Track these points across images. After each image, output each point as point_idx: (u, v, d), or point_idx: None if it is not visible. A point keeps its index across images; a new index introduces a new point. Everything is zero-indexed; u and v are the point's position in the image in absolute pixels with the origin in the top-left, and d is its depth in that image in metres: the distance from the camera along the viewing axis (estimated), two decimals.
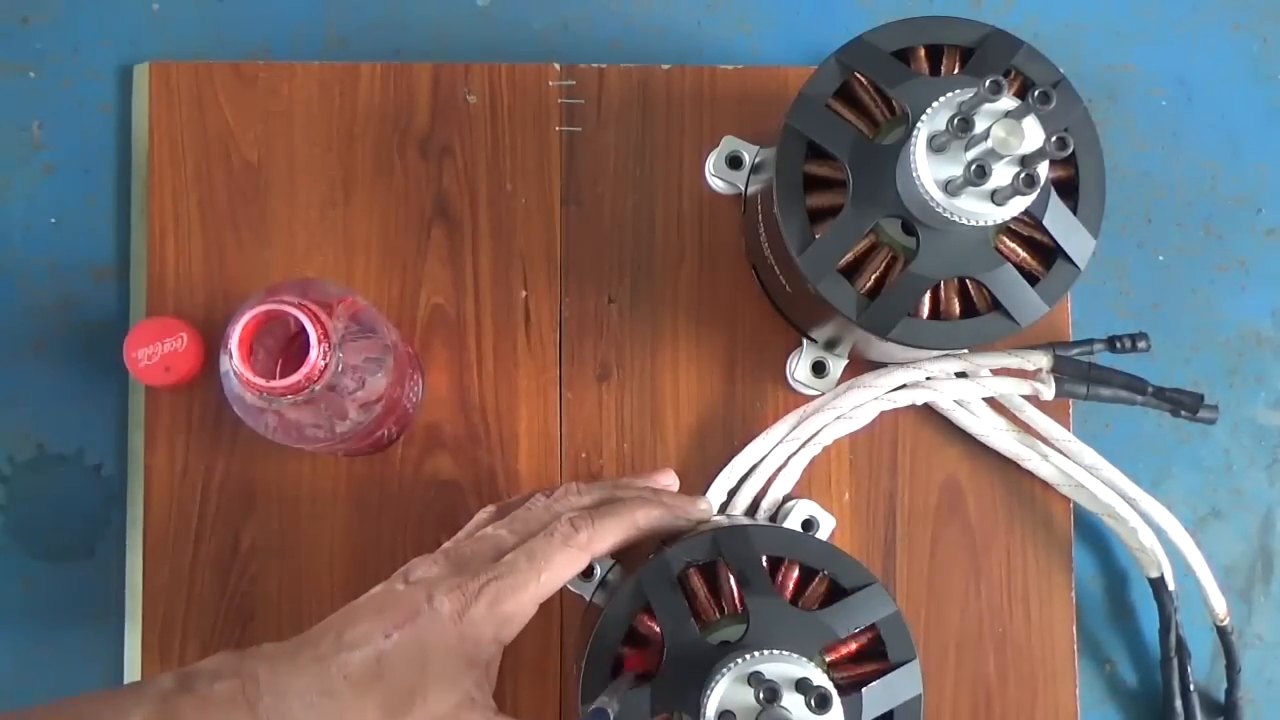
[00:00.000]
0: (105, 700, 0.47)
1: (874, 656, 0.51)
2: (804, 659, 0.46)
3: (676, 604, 0.50)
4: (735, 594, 0.51)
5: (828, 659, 0.51)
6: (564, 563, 0.49)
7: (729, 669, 0.46)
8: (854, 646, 0.51)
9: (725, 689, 0.46)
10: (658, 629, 0.50)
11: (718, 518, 0.60)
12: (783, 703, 0.45)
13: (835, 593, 0.51)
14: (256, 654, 0.49)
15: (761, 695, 0.44)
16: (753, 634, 0.49)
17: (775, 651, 0.47)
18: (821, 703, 0.44)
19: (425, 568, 0.50)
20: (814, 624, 0.50)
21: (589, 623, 0.54)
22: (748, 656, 0.46)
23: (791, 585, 0.52)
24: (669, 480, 0.57)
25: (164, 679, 0.48)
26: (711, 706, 0.46)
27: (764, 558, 0.51)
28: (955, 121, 0.48)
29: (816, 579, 0.52)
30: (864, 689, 0.49)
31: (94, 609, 0.63)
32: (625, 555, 0.54)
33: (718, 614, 0.51)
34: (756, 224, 0.59)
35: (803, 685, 0.45)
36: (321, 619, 0.61)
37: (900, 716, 0.50)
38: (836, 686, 0.46)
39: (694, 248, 0.64)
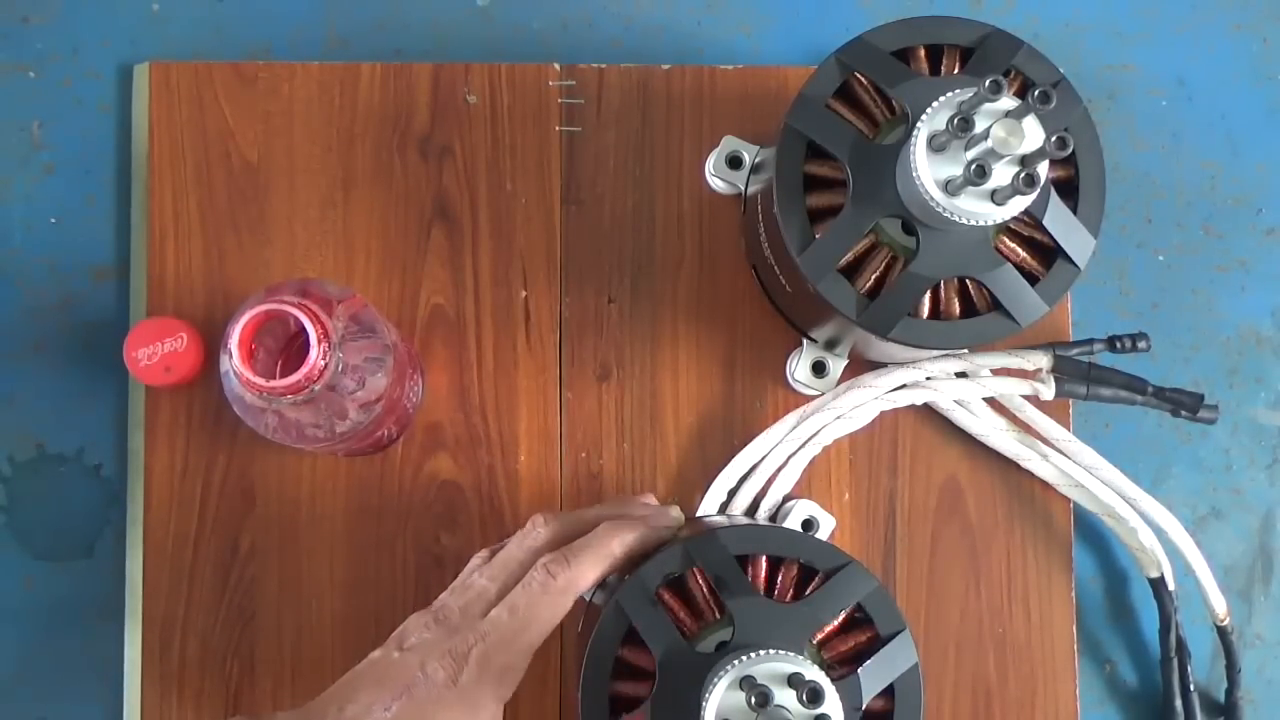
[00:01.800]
0: None
1: (864, 633, 0.51)
2: (793, 654, 0.46)
3: (659, 621, 0.50)
4: (714, 600, 0.51)
5: (818, 645, 0.51)
6: (548, 609, 0.50)
7: (720, 677, 0.46)
8: (841, 626, 0.51)
9: (720, 697, 0.46)
10: (646, 651, 0.50)
11: (716, 518, 0.60)
12: (777, 701, 0.45)
13: (817, 579, 0.51)
14: None
15: (753, 701, 0.44)
16: (740, 635, 0.49)
17: (763, 651, 0.46)
18: (813, 697, 0.44)
19: (419, 633, 0.51)
20: (799, 615, 0.50)
21: (589, 621, 0.54)
22: (737, 661, 0.46)
23: (763, 579, 0.52)
24: (647, 499, 0.58)
25: None
26: (709, 717, 0.46)
27: (735, 559, 0.51)
28: (955, 121, 0.48)
29: (789, 569, 0.52)
30: (859, 669, 0.49)
31: (94, 609, 0.63)
32: None
33: (704, 621, 0.51)
34: (756, 224, 0.59)
35: (795, 680, 0.45)
36: (321, 619, 0.62)
37: (900, 688, 0.50)
38: (832, 670, 0.46)
39: (694, 248, 0.64)
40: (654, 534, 0.53)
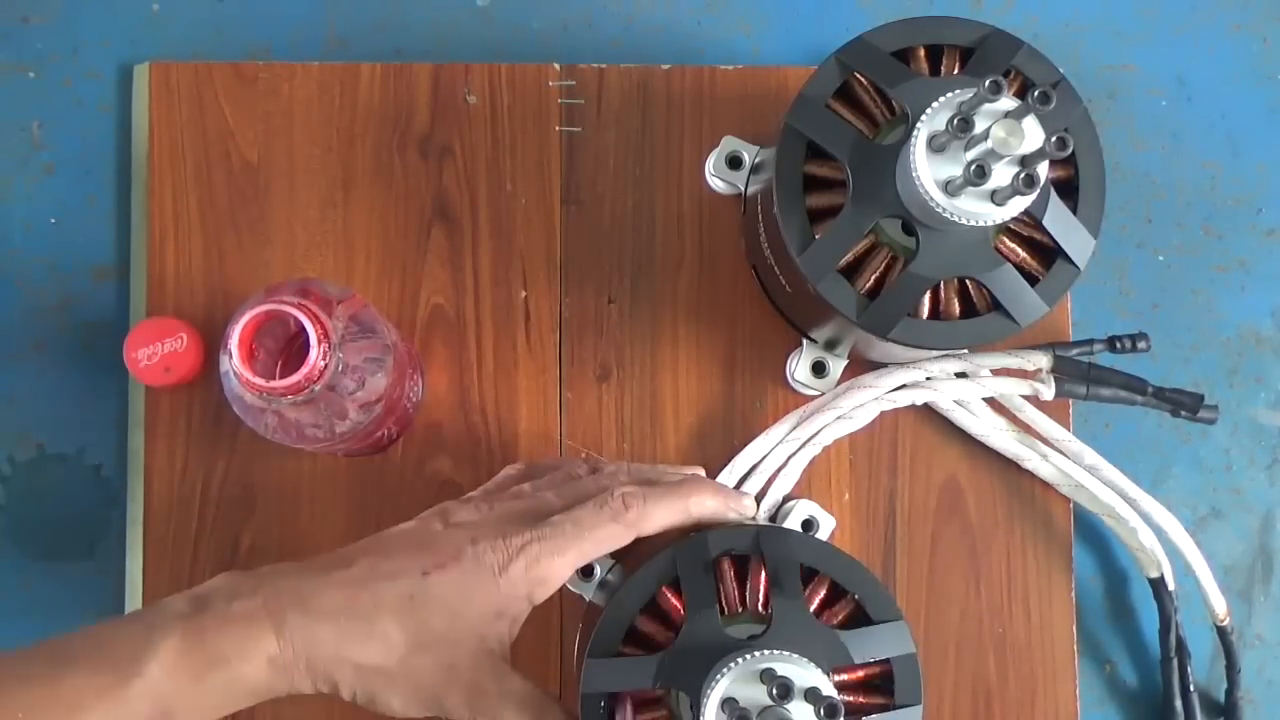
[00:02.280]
0: (124, 628, 0.46)
1: (880, 691, 0.51)
2: (818, 669, 0.46)
3: (705, 586, 0.50)
4: (764, 593, 0.51)
5: (835, 680, 0.51)
6: (609, 536, 0.50)
7: (742, 660, 0.46)
8: (863, 674, 0.51)
9: (734, 678, 0.46)
10: (679, 605, 0.50)
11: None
12: (789, 705, 0.45)
13: (858, 618, 0.51)
14: (275, 572, 0.48)
15: (774, 691, 0.44)
16: (771, 635, 0.49)
17: (793, 655, 0.47)
18: (830, 713, 0.44)
19: (467, 512, 0.50)
20: (832, 641, 0.50)
21: (589, 622, 0.54)
22: (764, 652, 0.46)
23: (818, 600, 0.52)
24: (699, 473, 0.58)
25: (175, 602, 0.47)
26: (716, 692, 0.46)
27: (799, 565, 0.51)
28: (955, 121, 0.48)
29: (845, 599, 0.52)
30: None
31: (94, 609, 0.63)
32: (625, 554, 0.54)
33: (740, 608, 0.51)
34: (756, 224, 0.59)
35: (813, 694, 0.45)
36: None
37: None
38: None
39: (694, 248, 0.64)
40: (727, 512, 0.53)
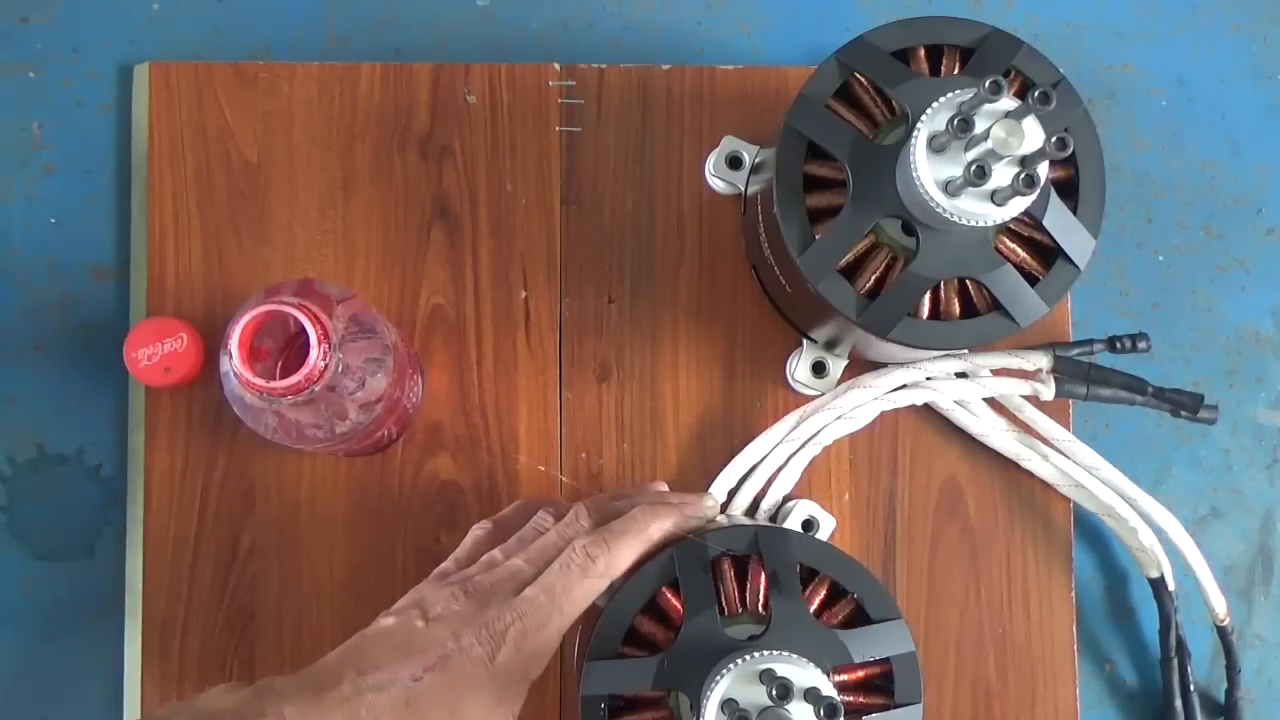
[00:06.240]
0: None
1: (881, 690, 0.51)
2: (817, 669, 0.46)
3: (705, 587, 0.50)
4: (763, 593, 0.51)
5: (835, 680, 0.51)
6: (584, 593, 0.50)
7: (742, 660, 0.46)
8: (863, 674, 0.51)
9: (734, 679, 0.46)
10: (678, 606, 0.50)
11: (719, 517, 0.60)
12: (789, 706, 0.45)
13: (858, 618, 0.51)
14: (272, 693, 0.47)
15: (774, 692, 0.44)
16: (770, 636, 0.49)
17: (793, 655, 0.47)
18: (830, 713, 0.44)
19: (444, 603, 0.49)
20: (832, 641, 0.50)
21: (589, 623, 0.54)
22: (764, 653, 0.46)
23: (818, 600, 0.52)
24: (661, 488, 0.57)
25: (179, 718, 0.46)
26: (717, 693, 0.46)
27: (799, 565, 0.51)
28: (955, 122, 0.48)
29: (844, 599, 0.52)
30: (864, 719, 0.50)
31: (94, 609, 0.63)
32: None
33: (740, 608, 0.51)
34: (756, 224, 0.59)
35: (812, 694, 0.45)
36: (321, 620, 0.61)
37: None
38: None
39: (694, 248, 0.64)
40: (689, 521, 0.53)
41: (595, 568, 0.50)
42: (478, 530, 0.54)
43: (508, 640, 0.48)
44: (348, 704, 0.46)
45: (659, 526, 0.52)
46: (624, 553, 0.50)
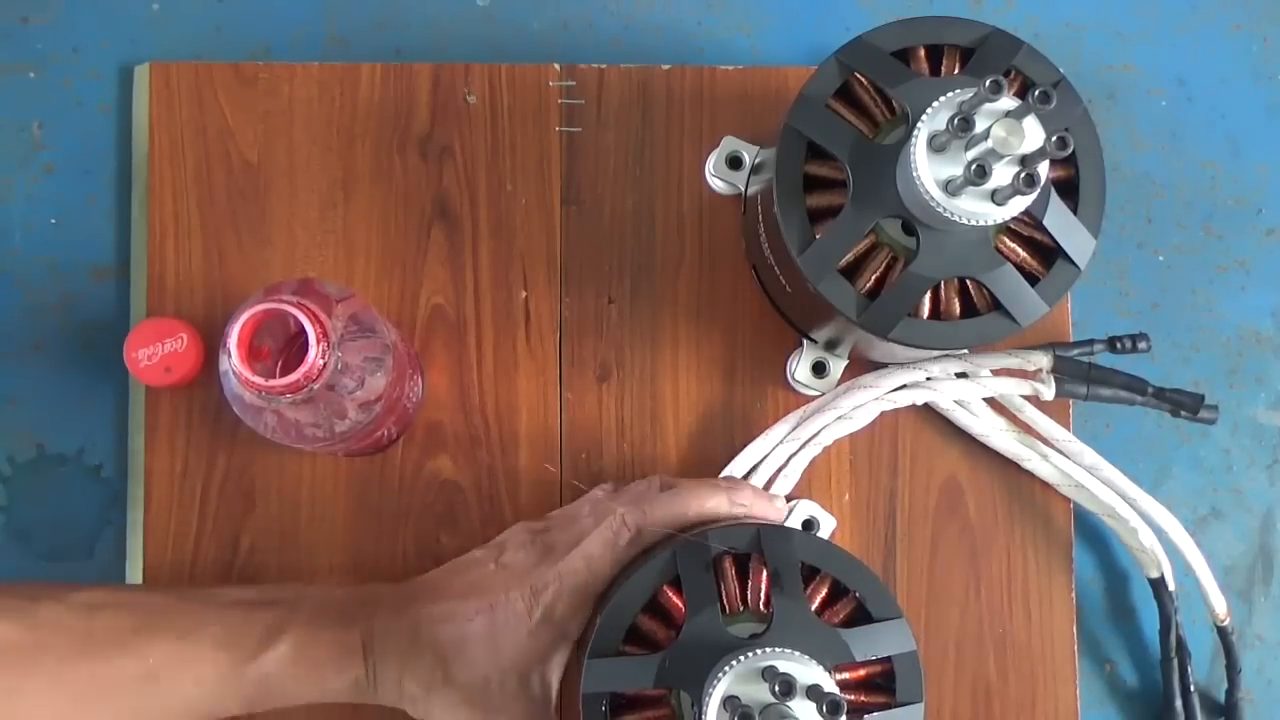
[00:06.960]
0: (256, 619, 0.53)
1: (882, 689, 0.51)
2: (820, 667, 0.46)
3: (706, 585, 0.50)
4: (765, 591, 0.51)
5: (837, 678, 0.50)
6: (614, 558, 0.53)
7: (744, 658, 0.46)
8: (864, 673, 0.51)
9: (735, 676, 0.46)
10: (680, 604, 0.50)
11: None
12: (792, 703, 0.45)
13: (859, 616, 0.51)
14: (377, 603, 0.54)
15: (776, 689, 0.44)
16: (772, 634, 0.49)
17: (794, 653, 0.47)
18: (833, 710, 0.44)
19: (515, 551, 0.55)
20: (833, 639, 0.50)
21: (591, 621, 0.54)
22: (766, 650, 0.46)
23: (820, 598, 0.52)
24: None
25: (300, 607, 0.54)
26: (718, 691, 0.46)
27: (800, 564, 0.51)
28: (955, 121, 0.48)
29: (846, 597, 0.52)
30: (865, 718, 0.50)
31: None
32: None
33: (742, 607, 0.51)
34: (756, 224, 0.59)
35: (815, 691, 0.45)
36: None
37: None
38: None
39: (694, 248, 0.64)
40: (735, 509, 0.55)
41: (626, 535, 0.52)
42: (598, 490, 0.58)
43: (544, 599, 0.52)
44: (417, 624, 0.53)
45: (698, 506, 0.54)
46: (658, 523, 0.53)
